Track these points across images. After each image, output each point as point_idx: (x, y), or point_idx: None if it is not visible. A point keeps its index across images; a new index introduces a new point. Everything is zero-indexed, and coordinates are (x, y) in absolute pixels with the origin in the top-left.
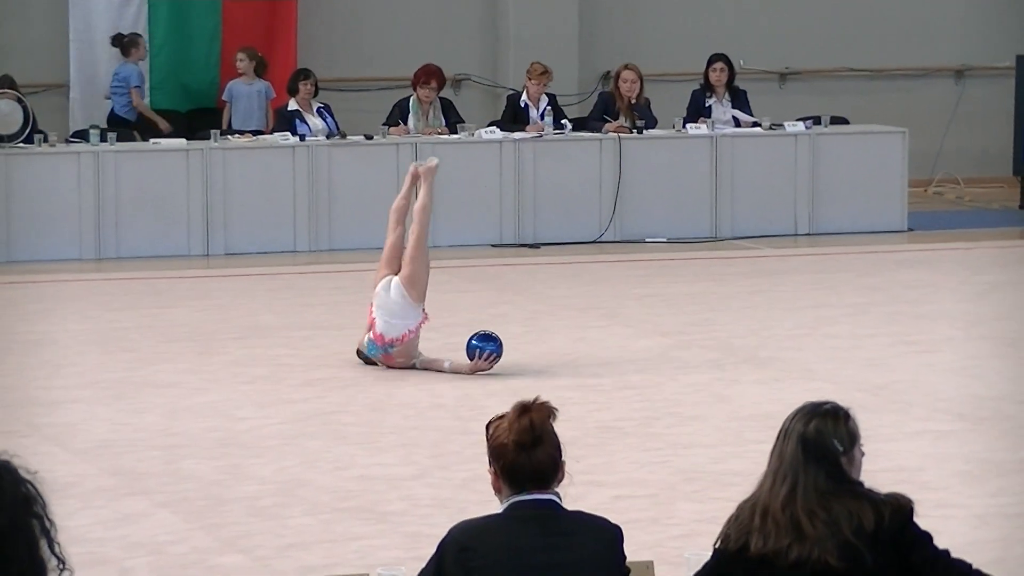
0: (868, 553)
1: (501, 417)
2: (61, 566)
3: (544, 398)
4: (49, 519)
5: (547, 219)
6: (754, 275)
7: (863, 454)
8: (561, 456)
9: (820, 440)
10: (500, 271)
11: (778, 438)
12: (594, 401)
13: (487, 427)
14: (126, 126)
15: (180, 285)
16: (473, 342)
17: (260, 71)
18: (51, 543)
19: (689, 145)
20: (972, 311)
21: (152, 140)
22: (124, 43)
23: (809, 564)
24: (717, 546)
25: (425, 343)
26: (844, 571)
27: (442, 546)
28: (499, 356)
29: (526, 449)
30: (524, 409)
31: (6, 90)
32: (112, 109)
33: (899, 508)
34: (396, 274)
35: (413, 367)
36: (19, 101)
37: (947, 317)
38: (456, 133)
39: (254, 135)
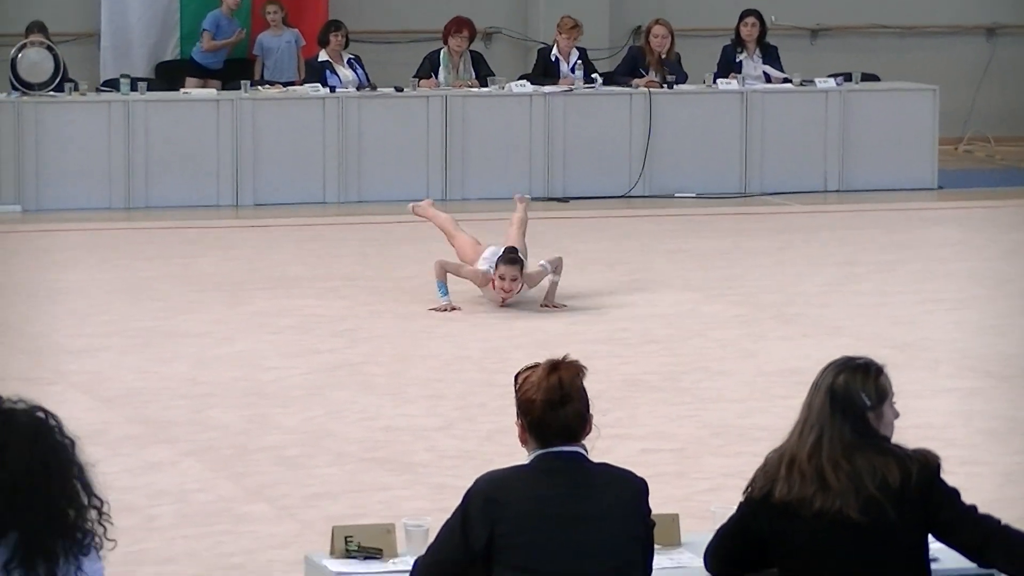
0: (892, 509)
1: (531, 369)
2: (102, 540)
3: (573, 354)
4: (83, 464)
5: (577, 173)
6: (783, 231)
7: (897, 414)
8: (589, 411)
9: (847, 393)
10: (529, 224)
11: (810, 389)
12: (621, 355)
13: (516, 377)
14: (201, 74)
15: (209, 235)
16: None
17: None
18: (100, 517)
19: (719, 100)
20: (1000, 269)
21: (183, 90)
22: None
23: (830, 515)
24: (744, 495)
25: (455, 296)
26: (865, 525)
27: (468, 497)
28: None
29: (554, 407)
30: (554, 367)
31: (37, 36)
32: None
33: (926, 464)
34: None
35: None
36: (49, 49)
37: (975, 275)
38: (486, 86)
39: (285, 86)
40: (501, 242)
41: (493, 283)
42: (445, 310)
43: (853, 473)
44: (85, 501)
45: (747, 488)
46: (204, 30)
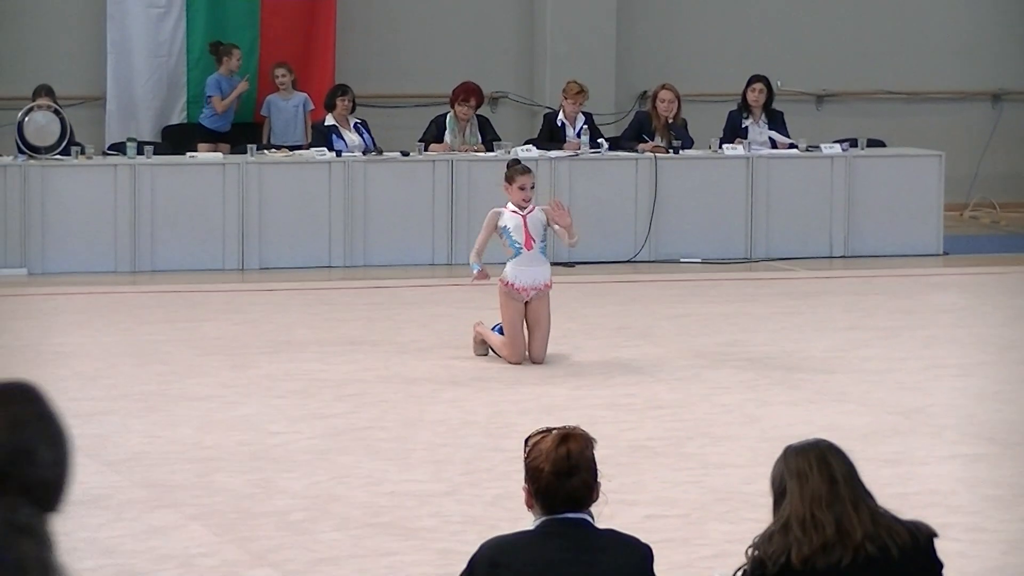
0: (902, 557)
1: (541, 435)
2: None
3: (578, 420)
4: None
5: (582, 238)
6: (788, 296)
7: None
8: (596, 480)
9: (827, 460)
10: None
11: (783, 479)
12: (626, 420)
13: (526, 442)
14: (212, 138)
15: (215, 299)
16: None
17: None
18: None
19: (725, 166)
20: (1006, 335)
21: (189, 154)
22: (219, 51)
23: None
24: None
25: (461, 360)
26: (884, 562)
27: (473, 561)
28: None
29: (561, 478)
30: (564, 438)
31: (45, 100)
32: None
33: (930, 533)
34: None
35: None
36: (56, 113)
37: (980, 341)
38: (492, 151)
39: (292, 150)
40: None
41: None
42: (484, 278)
43: (870, 514)
44: None
45: (756, 569)
46: (209, 96)
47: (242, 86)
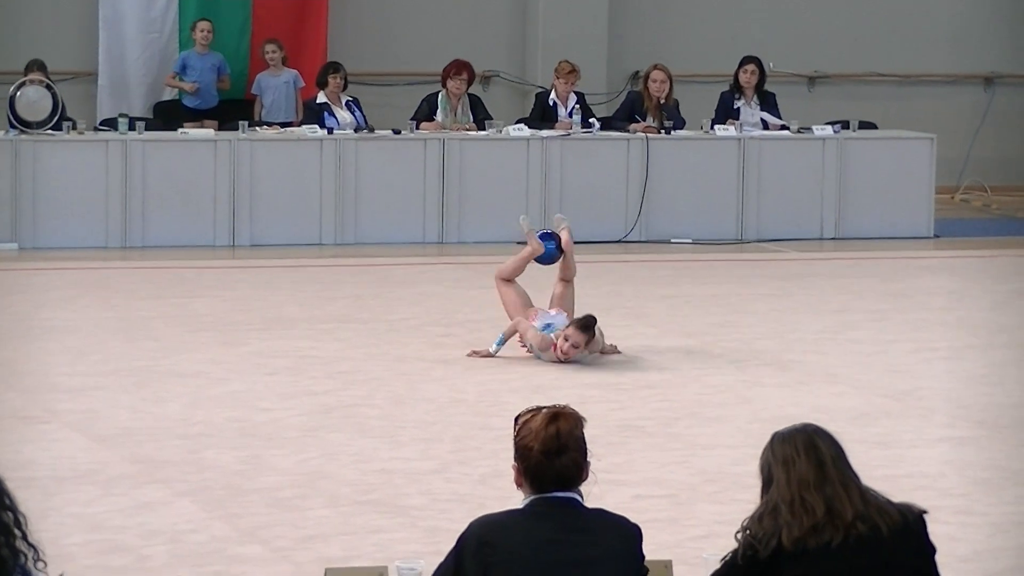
0: (893, 537)
1: (531, 414)
2: (36, 555)
3: (568, 399)
4: (20, 513)
5: (573, 218)
6: (779, 278)
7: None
8: (586, 459)
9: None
10: (525, 268)
11: (770, 466)
12: (616, 400)
13: (515, 420)
14: (195, 117)
15: (205, 275)
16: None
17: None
18: (24, 535)
19: (717, 147)
20: (995, 319)
21: (180, 130)
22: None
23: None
24: (740, 559)
25: (451, 338)
26: (876, 540)
27: (461, 540)
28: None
29: (550, 456)
30: (553, 417)
31: (37, 74)
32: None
33: (920, 512)
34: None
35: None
36: (48, 88)
37: (970, 324)
38: (484, 130)
39: (283, 127)
40: (554, 305)
41: (555, 346)
42: (486, 356)
43: (860, 495)
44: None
45: (747, 551)
46: (173, 73)
47: (187, 86)
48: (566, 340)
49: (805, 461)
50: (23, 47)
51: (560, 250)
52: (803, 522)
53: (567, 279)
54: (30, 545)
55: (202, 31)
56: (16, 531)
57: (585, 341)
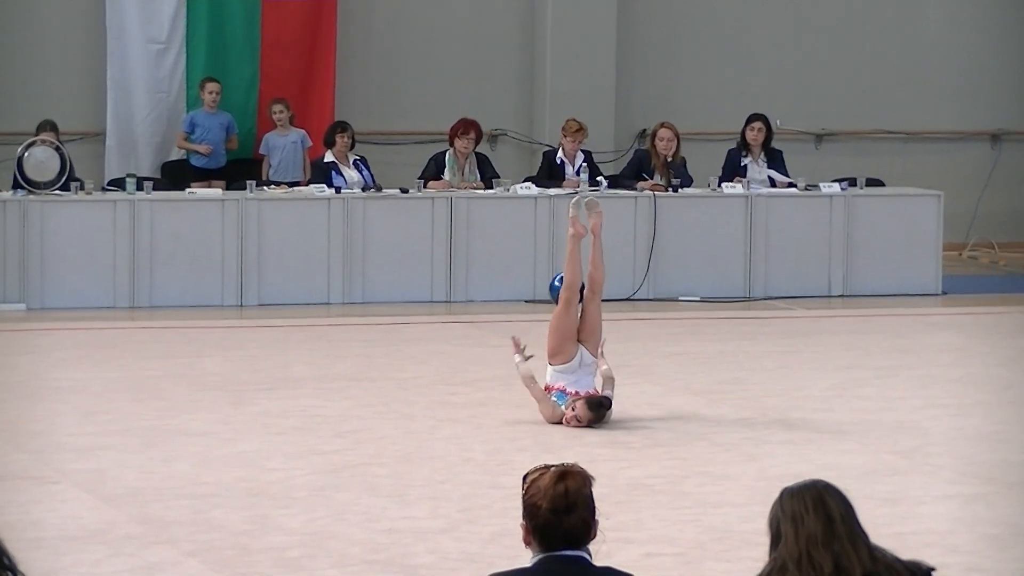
0: None
1: (540, 472)
2: None
3: (576, 458)
4: (20, 572)
5: (582, 276)
6: (787, 335)
7: None
8: (594, 517)
9: (824, 499)
10: (533, 327)
11: (779, 522)
12: (624, 458)
13: (524, 478)
14: (203, 176)
15: (213, 335)
16: (555, 284)
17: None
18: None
19: (724, 204)
20: (1004, 375)
21: (188, 190)
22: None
23: None
24: None
25: (459, 397)
26: None
27: None
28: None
29: (558, 515)
30: (561, 476)
31: (49, 135)
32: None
33: (928, 572)
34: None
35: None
36: (56, 149)
37: (978, 381)
38: (492, 188)
39: (291, 186)
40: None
41: (565, 418)
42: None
43: (868, 552)
44: None
45: None
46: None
47: (202, 148)
48: (573, 412)
49: (814, 518)
50: (32, 107)
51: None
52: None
53: (597, 269)
54: None
55: (211, 92)
56: None
57: (591, 420)
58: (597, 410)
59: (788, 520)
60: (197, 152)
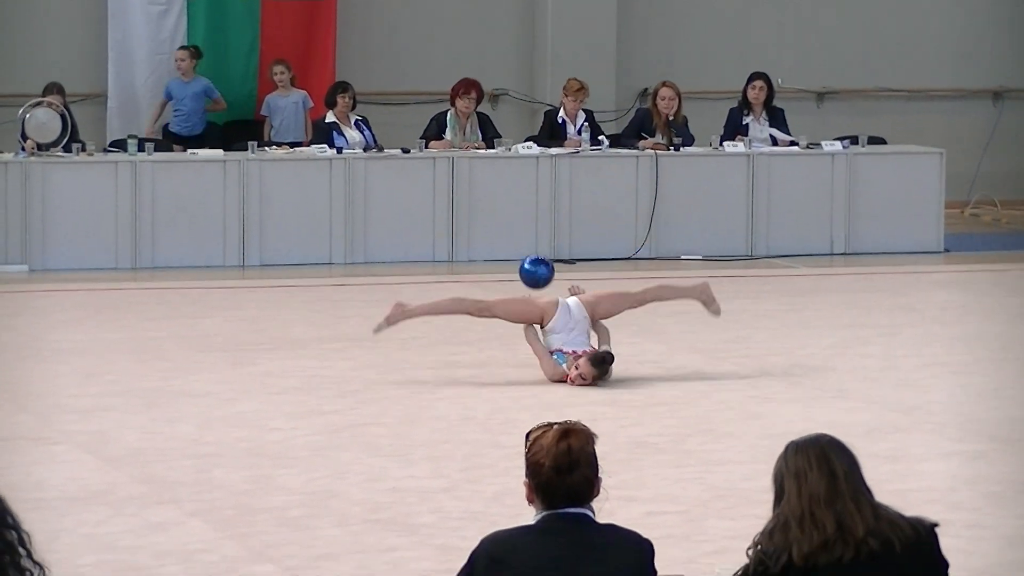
0: (905, 552)
1: (543, 430)
2: (41, 574)
3: (579, 416)
4: (24, 531)
5: (583, 235)
6: (789, 294)
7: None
8: (597, 475)
9: (827, 455)
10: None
11: (783, 477)
12: (627, 416)
13: (527, 437)
14: (182, 143)
15: (214, 296)
16: (525, 266)
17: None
18: (29, 553)
19: (726, 163)
20: (1006, 333)
21: (189, 151)
22: None
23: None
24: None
25: (461, 357)
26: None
27: (473, 557)
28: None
29: (561, 473)
30: (564, 434)
31: (56, 97)
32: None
33: (931, 525)
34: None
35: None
36: (57, 110)
37: (980, 339)
38: (493, 148)
39: (292, 147)
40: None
41: (568, 377)
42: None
43: (872, 510)
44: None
45: (758, 567)
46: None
47: (215, 104)
48: (576, 370)
49: (817, 475)
50: (34, 69)
51: (551, 273)
52: (813, 538)
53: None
54: (35, 563)
55: (179, 60)
56: (20, 549)
57: (595, 377)
58: (600, 366)
59: (792, 476)
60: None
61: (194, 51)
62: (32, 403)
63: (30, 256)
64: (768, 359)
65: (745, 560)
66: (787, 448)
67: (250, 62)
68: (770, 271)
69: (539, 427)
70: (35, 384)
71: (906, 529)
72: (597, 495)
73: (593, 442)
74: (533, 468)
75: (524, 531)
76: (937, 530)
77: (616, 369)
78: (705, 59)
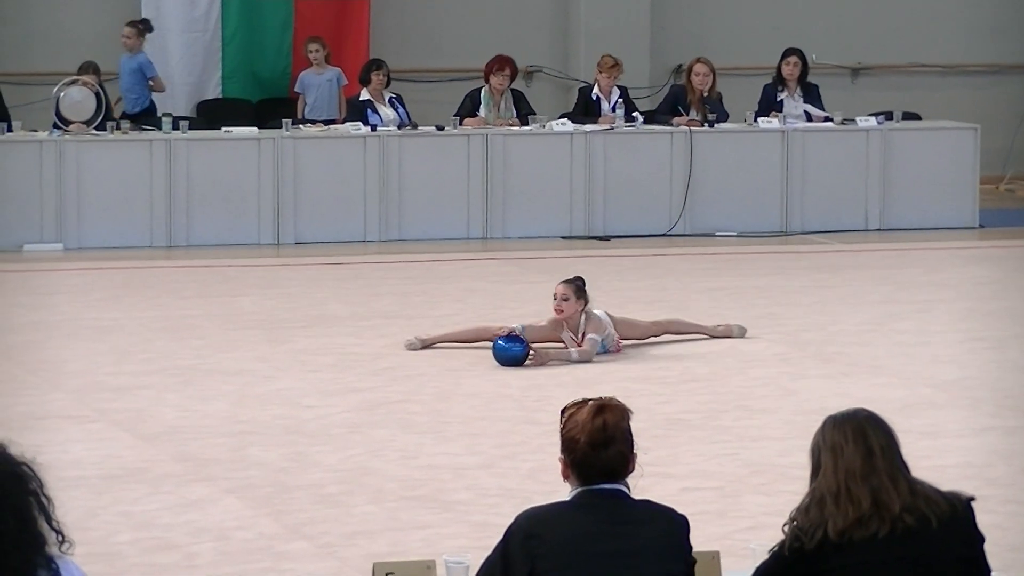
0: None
1: (577, 406)
2: (61, 539)
3: (613, 392)
4: (46, 496)
5: (617, 211)
6: (823, 270)
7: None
8: (632, 450)
9: (872, 424)
10: (570, 263)
11: (820, 451)
12: (661, 393)
13: (562, 412)
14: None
15: (250, 274)
16: (499, 342)
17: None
18: (48, 519)
19: (760, 139)
20: None
21: (224, 129)
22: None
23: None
24: (786, 550)
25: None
26: (924, 533)
27: (509, 533)
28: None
29: (597, 448)
30: (599, 409)
31: (92, 77)
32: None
33: (968, 501)
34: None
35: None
36: (92, 89)
37: (1016, 314)
38: (527, 124)
39: (326, 124)
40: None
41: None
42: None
43: (908, 486)
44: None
45: (793, 542)
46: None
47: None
48: (555, 297)
49: (853, 450)
50: (66, 47)
51: (527, 354)
52: (848, 514)
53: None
54: (55, 530)
55: (125, 36)
56: (41, 515)
57: (566, 297)
58: (569, 282)
59: (828, 451)
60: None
61: (141, 27)
62: (68, 381)
63: (65, 234)
64: (802, 335)
65: (781, 536)
66: (825, 422)
67: (284, 39)
68: (804, 247)
69: (574, 403)
70: (71, 363)
71: (942, 505)
72: (632, 471)
73: (628, 418)
74: (568, 444)
75: (560, 507)
76: (973, 504)
77: (650, 346)
78: (739, 35)
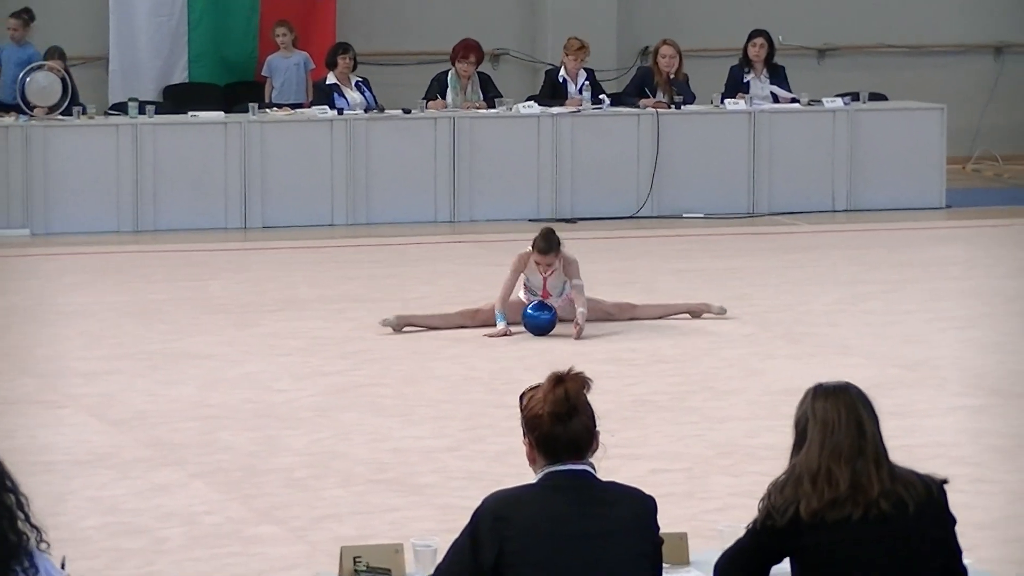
0: (918, 512)
1: (535, 388)
2: (39, 536)
3: (578, 369)
4: (22, 494)
5: (584, 194)
6: (791, 251)
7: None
8: (595, 426)
9: (863, 404)
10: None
11: (808, 423)
12: (629, 375)
13: (520, 398)
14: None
15: (217, 258)
16: (528, 311)
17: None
18: (26, 517)
19: (727, 121)
20: (1009, 287)
21: (191, 113)
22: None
23: (867, 513)
24: (759, 527)
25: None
26: (899, 519)
27: (476, 515)
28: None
29: (561, 419)
30: (558, 380)
31: (57, 62)
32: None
33: (941, 484)
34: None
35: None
36: (58, 74)
37: (983, 293)
38: (494, 107)
39: (293, 108)
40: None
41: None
42: (503, 335)
43: (889, 472)
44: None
45: (766, 520)
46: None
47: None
48: (537, 264)
49: (845, 429)
50: (34, 32)
51: (554, 321)
52: (823, 495)
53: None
54: (32, 526)
55: (12, 28)
56: (19, 513)
57: (550, 258)
58: (547, 237)
59: (818, 425)
60: None
61: (26, 17)
62: (36, 366)
63: (32, 220)
64: (770, 316)
65: (754, 513)
66: (815, 392)
67: (251, 23)
68: (772, 228)
69: (531, 387)
70: (39, 348)
71: (919, 488)
72: (596, 448)
73: (588, 387)
74: (532, 421)
75: (527, 489)
76: (946, 487)
77: (618, 328)
78: (706, 17)
